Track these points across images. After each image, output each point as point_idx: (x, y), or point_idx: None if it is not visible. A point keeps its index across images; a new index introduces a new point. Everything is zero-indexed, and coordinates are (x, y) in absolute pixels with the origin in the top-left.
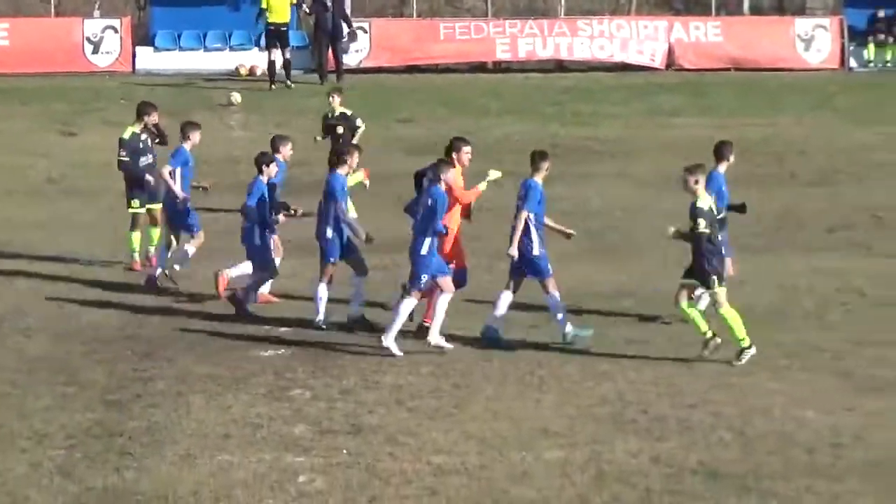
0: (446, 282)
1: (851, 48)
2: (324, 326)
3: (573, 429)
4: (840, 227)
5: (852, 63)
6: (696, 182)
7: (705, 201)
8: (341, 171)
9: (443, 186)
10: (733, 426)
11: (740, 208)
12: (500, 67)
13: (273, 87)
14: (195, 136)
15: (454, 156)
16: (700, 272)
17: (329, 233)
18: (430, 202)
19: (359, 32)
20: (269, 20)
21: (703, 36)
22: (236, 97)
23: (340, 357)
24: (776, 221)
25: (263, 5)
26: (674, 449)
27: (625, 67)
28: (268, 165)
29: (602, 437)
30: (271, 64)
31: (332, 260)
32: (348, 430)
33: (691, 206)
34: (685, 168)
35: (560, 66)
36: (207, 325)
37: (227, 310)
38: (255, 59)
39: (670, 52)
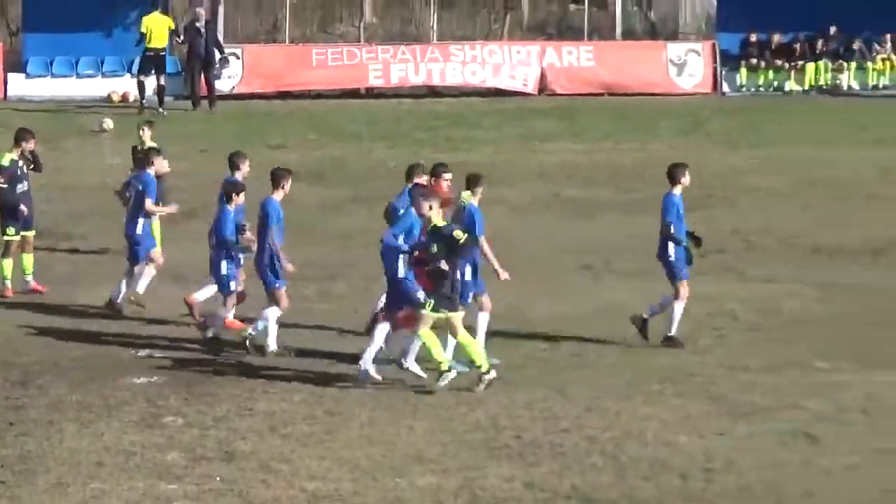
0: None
1: (724, 72)
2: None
3: (446, 455)
4: (712, 252)
5: (725, 87)
6: (430, 208)
7: (443, 225)
8: (276, 196)
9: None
10: (606, 451)
11: (697, 240)
12: (373, 93)
13: (144, 109)
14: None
15: (433, 182)
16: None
17: (266, 259)
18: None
19: (231, 58)
20: (148, 45)
21: (576, 61)
22: (108, 123)
23: (213, 384)
24: (649, 246)
25: (143, 30)
26: (547, 474)
27: (497, 93)
28: (237, 195)
29: (475, 463)
30: (141, 84)
31: (277, 285)
32: (221, 457)
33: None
34: (420, 195)
35: (433, 92)
36: (81, 352)
37: (97, 337)
38: (128, 85)
39: (543, 77)
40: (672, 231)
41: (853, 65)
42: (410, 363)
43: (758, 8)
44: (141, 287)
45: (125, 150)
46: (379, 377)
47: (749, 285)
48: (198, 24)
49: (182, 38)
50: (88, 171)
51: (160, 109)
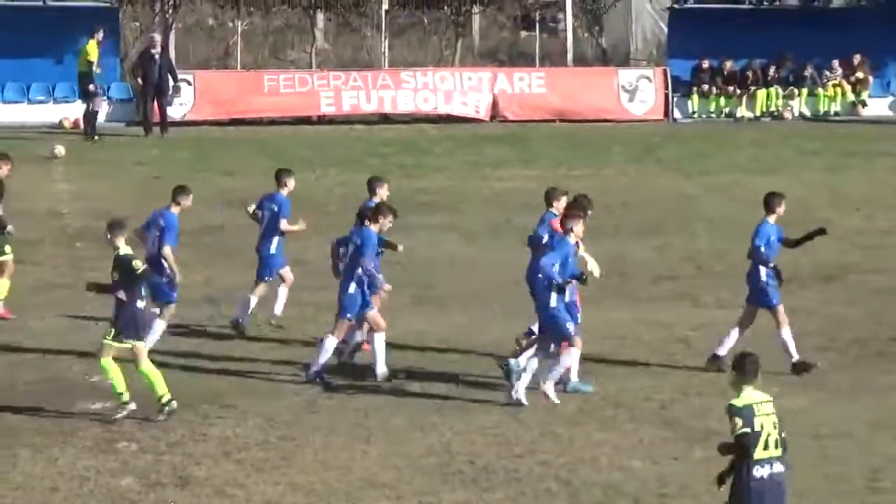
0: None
1: (676, 99)
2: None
3: (401, 480)
4: (665, 278)
5: (676, 114)
6: (116, 238)
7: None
8: (374, 227)
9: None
10: (560, 476)
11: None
12: (325, 120)
13: (95, 137)
14: (290, 182)
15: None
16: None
17: (352, 288)
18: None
19: (182, 85)
20: (82, 70)
21: (527, 87)
22: (60, 150)
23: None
24: (602, 272)
25: (91, 58)
26: (501, 500)
27: (449, 119)
28: (384, 217)
29: (429, 489)
30: (87, 115)
31: (348, 316)
32: (176, 482)
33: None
34: (107, 224)
35: (384, 118)
36: (34, 376)
37: (51, 362)
38: (79, 111)
39: (494, 103)
40: (762, 258)
41: (804, 91)
42: (548, 387)
43: (710, 35)
44: (278, 309)
45: (77, 176)
46: (556, 399)
47: (702, 311)
48: (153, 51)
49: (134, 64)
50: (40, 197)
51: (96, 136)
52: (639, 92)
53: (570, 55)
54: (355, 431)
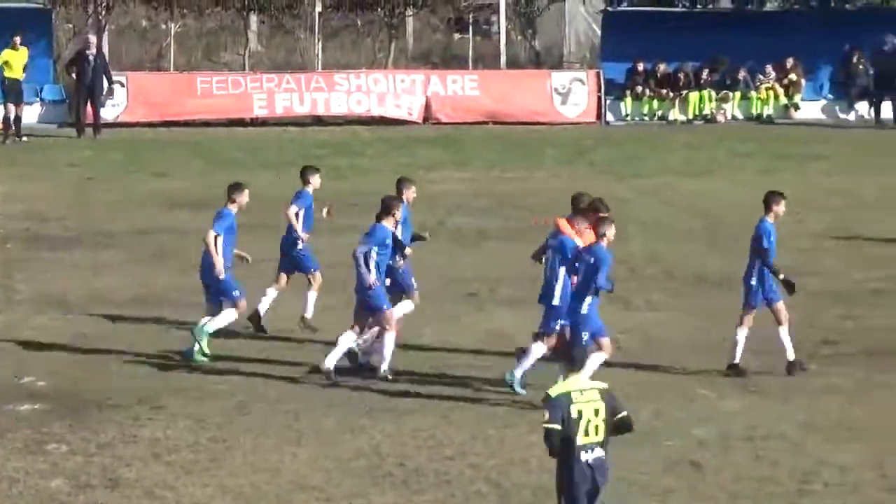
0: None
1: (608, 102)
2: (389, 376)
3: (330, 482)
4: None
5: (609, 117)
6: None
7: None
8: (387, 222)
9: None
10: (490, 478)
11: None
12: (258, 122)
13: (7, 140)
14: (315, 180)
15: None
16: None
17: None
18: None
19: (116, 86)
20: (6, 75)
21: (461, 89)
22: None
23: (98, 411)
24: (534, 273)
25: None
26: (430, 502)
27: (382, 121)
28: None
29: (359, 491)
30: (6, 119)
31: (385, 307)
32: (106, 484)
33: None
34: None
35: (318, 121)
36: None
37: None
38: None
39: (427, 105)
40: (768, 259)
41: (738, 94)
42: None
43: (643, 38)
44: (308, 311)
45: (8, 177)
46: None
47: (633, 314)
48: (88, 53)
49: (67, 66)
50: None
51: (22, 137)
52: (572, 95)
53: (503, 58)
54: (285, 434)
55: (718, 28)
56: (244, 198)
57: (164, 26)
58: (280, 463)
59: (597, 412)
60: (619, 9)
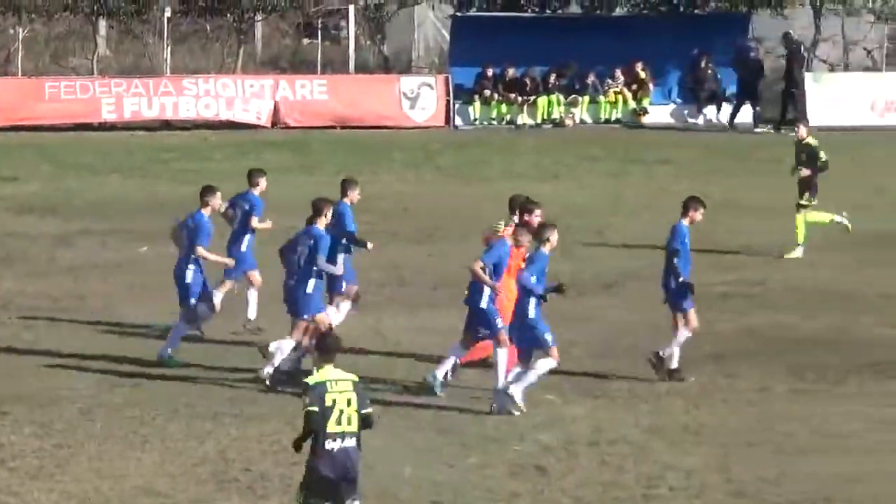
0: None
1: (457, 106)
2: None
3: (176, 488)
4: (444, 285)
5: (458, 121)
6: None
7: None
8: (319, 223)
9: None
10: None
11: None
12: (106, 126)
13: None
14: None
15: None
16: None
17: (310, 287)
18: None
19: None
20: None
21: (309, 94)
22: None
23: None
24: (380, 278)
25: None
26: None
27: (231, 125)
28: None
29: (205, 497)
30: None
31: (306, 316)
32: None
33: None
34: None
35: (166, 125)
36: None
37: None
38: None
39: (276, 110)
40: (675, 261)
41: (586, 99)
42: (515, 390)
43: (493, 42)
44: (251, 313)
45: None
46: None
47: None
48: None
49: None
50: None
51: None
52: (420, 99)
53: (352, 63)
54: (130, 439)
55: (568, 33)
56: (216, 200)
57: (11, 31)
58: (125, 468)
59: (349, 402)
60: (468, 14)
